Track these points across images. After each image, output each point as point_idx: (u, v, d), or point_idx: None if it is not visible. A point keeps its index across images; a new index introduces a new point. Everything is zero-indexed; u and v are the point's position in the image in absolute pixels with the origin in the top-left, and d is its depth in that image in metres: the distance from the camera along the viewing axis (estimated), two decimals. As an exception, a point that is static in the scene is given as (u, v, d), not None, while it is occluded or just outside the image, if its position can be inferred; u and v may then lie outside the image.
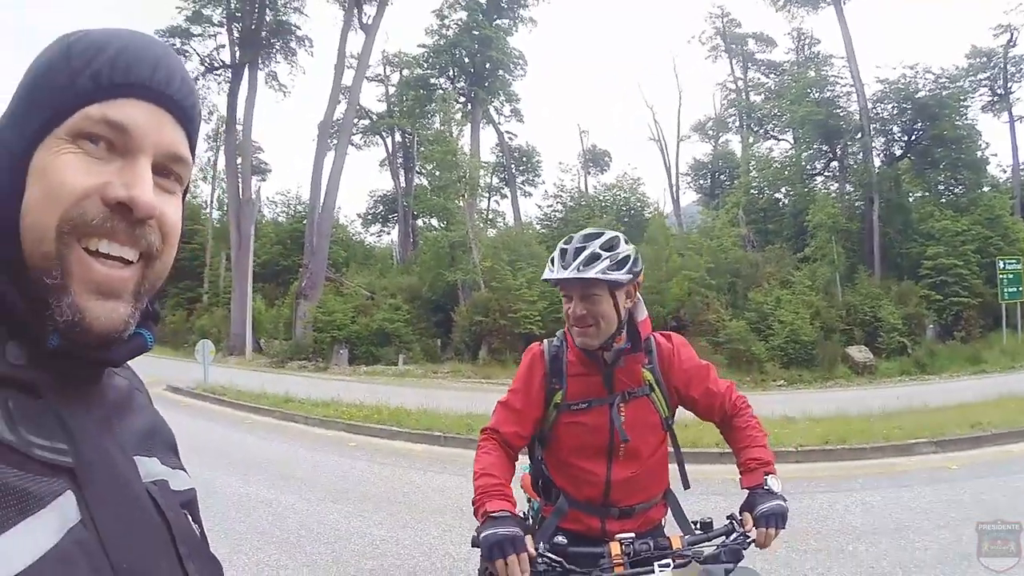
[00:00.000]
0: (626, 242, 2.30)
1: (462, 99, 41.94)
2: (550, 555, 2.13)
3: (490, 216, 48.57)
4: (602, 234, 2.28)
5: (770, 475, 2.36)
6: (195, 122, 0.78)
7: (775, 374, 23.57)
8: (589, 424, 2.37)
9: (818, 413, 12.02)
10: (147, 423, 0.87)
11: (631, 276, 2.25)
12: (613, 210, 39.35)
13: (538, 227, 41.55)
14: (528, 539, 2.05)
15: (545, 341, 2.52)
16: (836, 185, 36.06)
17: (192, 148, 0.78)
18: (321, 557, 5.92)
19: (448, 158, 32.40)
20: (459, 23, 42.61)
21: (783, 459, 9.01)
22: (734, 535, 2.23)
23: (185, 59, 36.95)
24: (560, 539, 2.18)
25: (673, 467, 2.65)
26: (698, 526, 2.40)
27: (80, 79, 0.69)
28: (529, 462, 2.66)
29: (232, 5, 37.29)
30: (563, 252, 2.25)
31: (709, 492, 6.57)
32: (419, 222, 45.35)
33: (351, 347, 29.69)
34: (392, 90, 47.26)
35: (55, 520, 0.61)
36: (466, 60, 42.70)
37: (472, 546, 2.07)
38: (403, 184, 46.69)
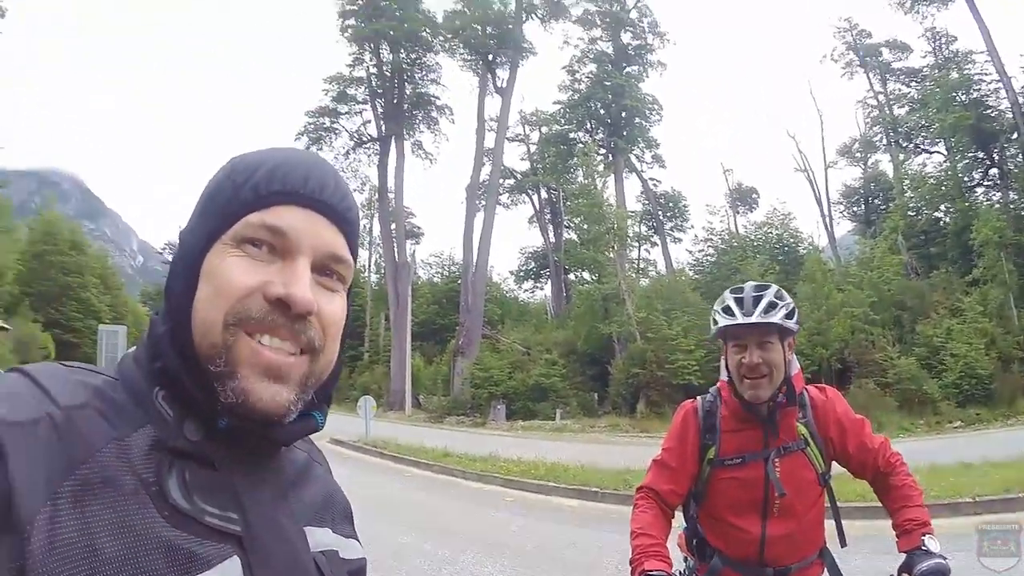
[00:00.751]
0: (786, 294, 2.36)
1: (602, 150, 42.22)
2: None
3: (641, 265, 48.18)
4: (769, 286, 2.34)
5: (927, 535, 2.21)
6: (353, 224, 0.83)
7: (950, 415, 21.34)
8: (743, 479, 2.35)
9: (999, 457, 10.71)
10: (323, 493, 0.91)
11: (798, 327, 2.33)
12: (766, 249, 37.80)
13: (691, 273, 40.63)
14: None
15: (699, 398, 2.52)
16: (999, 194, 32.53)
17: (352, 249, 0.83)
18: (476, 611, 5.78)
19: (594, 210, 32.58)
20: (590, 76, 43.41)
21: (957, 511, 8.16)
22: None
23: (335, 136, 41.37)
24: None
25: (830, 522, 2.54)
26: None
27: (242, 192, 0.76)
28: (684, 520, 2.62)
29: (374, 83, 40.47)
30: (739, 300, 2.29)
31: (879, 551, 5.90)
32: (571, 276, 45.63)
33: (508, 402, 30.01)
34: (534, 148, 48.52)
35: None
36: (601, 111, 43.24)
37: None
38: (552, 239, 47.33)
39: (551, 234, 48.10)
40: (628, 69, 43.23)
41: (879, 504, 7.42)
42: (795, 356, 2.40)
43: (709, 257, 40.84)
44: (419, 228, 57.77)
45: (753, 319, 2.22)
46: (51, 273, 47.88)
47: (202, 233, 0.77)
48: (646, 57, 43.82)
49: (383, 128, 40.60)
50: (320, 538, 0.83)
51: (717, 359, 2.46)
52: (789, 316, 2.26)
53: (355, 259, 0.84)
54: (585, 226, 35.52)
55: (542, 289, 53.93)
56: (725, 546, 2.39)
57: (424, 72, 40.99)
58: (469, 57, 39.68)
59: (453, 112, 42.02)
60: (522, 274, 54.42)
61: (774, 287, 2.32)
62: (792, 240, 39.08)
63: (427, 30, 39.72)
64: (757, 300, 2.25)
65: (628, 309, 29.86)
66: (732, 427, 2.37)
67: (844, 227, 47.10)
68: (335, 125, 41.76)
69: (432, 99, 41.55)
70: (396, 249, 38.90)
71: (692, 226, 49.13)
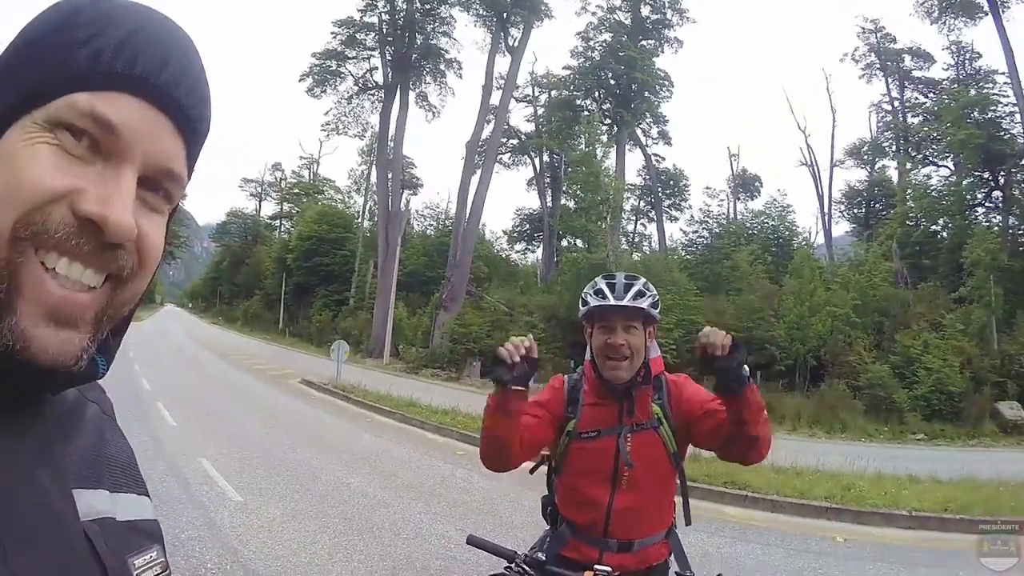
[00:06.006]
0: (652, 287, 2.54)
1: (608, 121, 42.08)
2: (524, 566, 2.31)
3: (635, 239, 48.41)
4: (639, 278, 2.51)
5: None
6: (201, 136, 0.67)
7: (916, 426, 21.40)
8: (597, 450, 2.49)
9: (947, 475, 10.88)
10: (96, 441, 0.72)
11: (659, 317, 2.51)
12: (760, 238, 38.00)
13: (683, 253, 40.89)
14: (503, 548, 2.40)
15: (566, 376, 2.69)
16: (999, 218, 32.58)
17: (191, 164, 0.67)
18: (397, 550, 6.17)
19: (591, 179, 32.63)
20: (604, 45, 43.04)
21: (894, 522, 8.35)
22: None
23: (339, 80, 41.09)
24: (539, 555, 2.39)
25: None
26: None
27: (77, 56, 0.58)
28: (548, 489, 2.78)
29: (384, 30, 40.06)
30: (611, 286, 2.45)
31: (718, 532, 6.49)
32: (564, 242, 45.72)
33: (484, 360, 30.26)
34: (541, 110, 48.23)
35: None
36: (612, 82, 42.97)
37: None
38: (549, 204, 47.30)
39: (548, 198, 48.01)
40: (643, 42, 42.72)
41: (724, 488, 8.07)
42: (655, 343, 2.60)
43: (703, 239, 41.15)
44: (418, 179, 57.72)
45: (624, 302, 2.38)
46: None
47: (4, 96, 0.58)
48: (663, 32, 43.33)
49: (389, 76, 40.27)
50: (92, 502, 0.66)
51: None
52: (654, 306, 2.44)
53: (190, 175, 0.68)
54: (581, 194, 35.54)
55: (534, 252, 54.16)
56: (575, 514, 2.54)
57: (436, 23, 40.51)
58: (484, 12, 39.06)
59: (461, 67, 41.76)
60: (515, 235, 54.58)
61: (643, 279, 2.50)
62: (787, 233, 39.31)
63: (444, -21, 39.29)
64: (628, 287, 2.42)
65: (613, 281, 30.04)
66: (592, 402, 2.53)
67: (842, 227, 47.64)
68: (341, 69, 41.52)
69: (442, 52, 41.11)
70: (391, 198, 38.79)
71: (690, 206, 49.92)
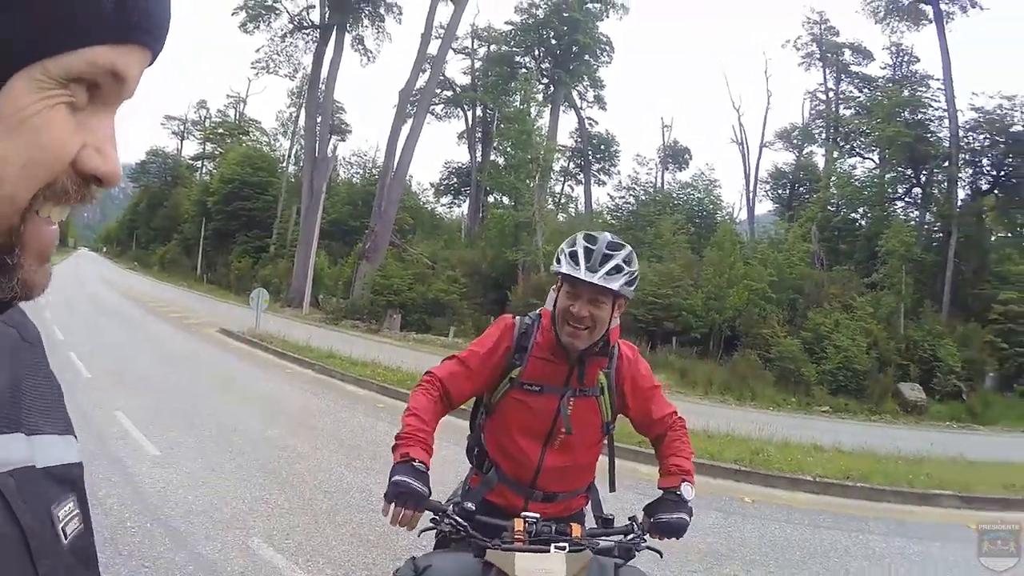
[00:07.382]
0: (636, 259, 2.37)
1: (545, 80, 42.03)
2: (457, 518, 2.23)
3: (562, 200, 48.83)
4: (623, 246, 2.31)
5: (686, 483, 2.42)
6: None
7: (822, 399, 22.59)
8: (535, 407, 2.44)
9: (850, 446, 11.56)
10: (14, 374, 0.63)
11: (633, 295, 2.38)
12: (684, 209, 38.93)
13: (608, 217, 41.46)
14: (430, 501, 2.17)
15: (518, 317, 2.56)
16: (916, 213, 34.85)
17: None
18: (319, 503, 6.20)
19: (523, 138, 32.62)
20: (549, 3, 42.80)
21: (800, 487, 8.79)
22: (631, 536, 2.33)
23: (274, 16, 39.36)
24: (469, 505, 2.28)
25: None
26: (599, 521, 2.53)
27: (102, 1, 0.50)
28: (470, 428, 2.71)
29: None
30: (588, 252, 2.26)
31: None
32: (490, 199, 45.61)
33: (405, 313, 30.20)
34: (478, 64, 47.68)
35: None
36: (553, 41, 42.99)
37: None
38: (479, 159, 47.03)
39: (478, 153, 47.76)
40: (589, 5, 42.83)
41: (638, 448, 8.24)
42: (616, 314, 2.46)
43: (629, 205, 41.83)
44: (347, 125, 56.17)
45: (595, 280, 2.20)
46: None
47: (14, 35, 0.47)
48: (611, -3, 43.42)
49: (327, 16, 38.98)
50: (9, 449, 0.57)
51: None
52: (629, 284, 2.27)
53: None
54: (511, 151, 35.54)
55: (460, 206, 53.95)
56: (504, 463, 2.50)
57: (379, -37, 39.30)
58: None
59: (402, 12, 40.75)
60: (442, 188, 54.12)
61: (627, 249, 2.31)
62: (711, 206, 40.51)
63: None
64: (606, 259, 2.23)
65: (537, 240, 30.38)
66: (542, 355, 2.43)
67: (765, 206, 49.78)
68: (276, 5, 39.82)
69: (383, -6, 39.99)
70: (318, 143, 37.81)
71: (619, 172, 51.02)
